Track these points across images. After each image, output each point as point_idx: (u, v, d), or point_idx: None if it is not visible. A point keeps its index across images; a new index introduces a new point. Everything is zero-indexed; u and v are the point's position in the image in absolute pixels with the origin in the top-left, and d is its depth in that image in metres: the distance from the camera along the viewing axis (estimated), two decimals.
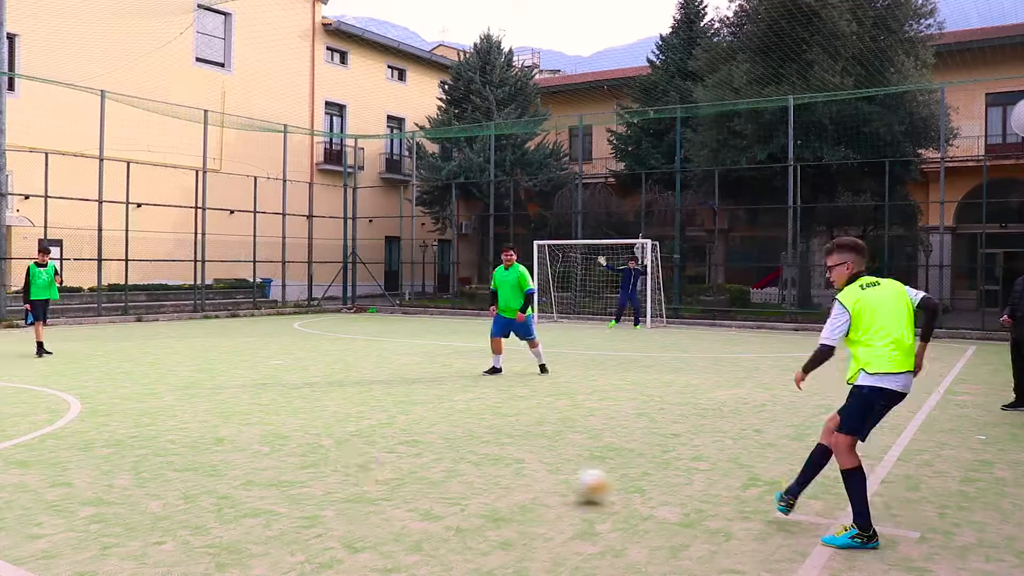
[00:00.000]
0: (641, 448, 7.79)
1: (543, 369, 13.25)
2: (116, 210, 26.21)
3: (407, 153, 41.49)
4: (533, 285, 13.02)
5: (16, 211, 26.86)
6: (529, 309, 13.16)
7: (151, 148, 29.70)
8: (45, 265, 15.68)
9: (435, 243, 40.05)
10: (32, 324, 15.51)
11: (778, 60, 26.62)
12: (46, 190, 24.26)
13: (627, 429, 8.71)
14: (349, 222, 35.02)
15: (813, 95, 24.96)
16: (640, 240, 26.09)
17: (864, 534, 5.12)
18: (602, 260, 26.10)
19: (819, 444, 5.55)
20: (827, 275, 5.66)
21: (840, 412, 5.37)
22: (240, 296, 31.76)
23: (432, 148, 39.64)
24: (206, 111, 28.72)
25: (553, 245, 27.83)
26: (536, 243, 27.24)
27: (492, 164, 32.55)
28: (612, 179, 36.44)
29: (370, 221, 37.58)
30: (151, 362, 14.55)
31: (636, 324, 24.23)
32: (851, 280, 5.45)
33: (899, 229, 28.28)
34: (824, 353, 5.33)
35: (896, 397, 5.25)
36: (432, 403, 10.33)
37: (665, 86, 33.49)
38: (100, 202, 25.48)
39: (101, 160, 25.50)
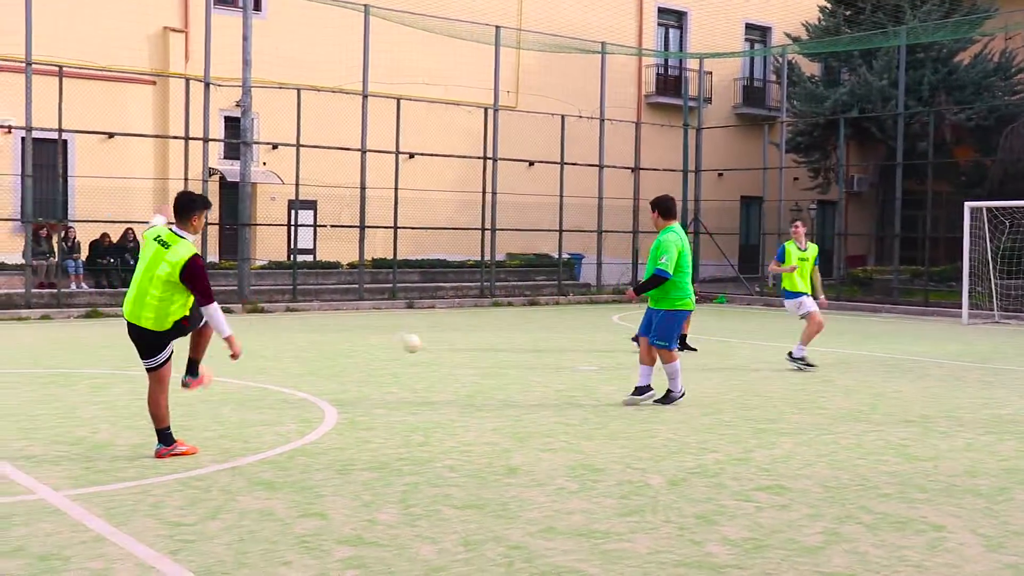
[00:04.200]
0: None
1: (666, 398, 11.87)
2: (382, 163, 28.12)
3: (774, 77, 40.92)
4: (665, 263, 11.55)
5: (262, 164, 29.65)
6: (661, 299, 11.77)
7: (427, 80, 31.52)
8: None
9: (813, 206, 39.27)
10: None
11: None
12: (298, 138, 26.55)
13: None
14: (691, 176, 35.19)
15: None
16: None
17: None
18: None
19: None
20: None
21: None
22: (541, 277, 33.01)
23: (811, 69, 38.83)
24: (498, 27, 30.01)
25: (995, 208, 26.32)
26: (968, 205, 25.94)
27: (901, 90, 31.26)
28: None
29: (720, 175, 37.57)
30: (425, 362, 15.45)
31: None
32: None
33: None
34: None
35: None
36: (806, 434, 10.16)
37: None
38: (364, 152, 27.47)
39: (365, 97, 27.48)
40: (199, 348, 8.90)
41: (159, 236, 8.49)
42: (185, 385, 8.96)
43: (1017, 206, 26.57)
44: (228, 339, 8.47)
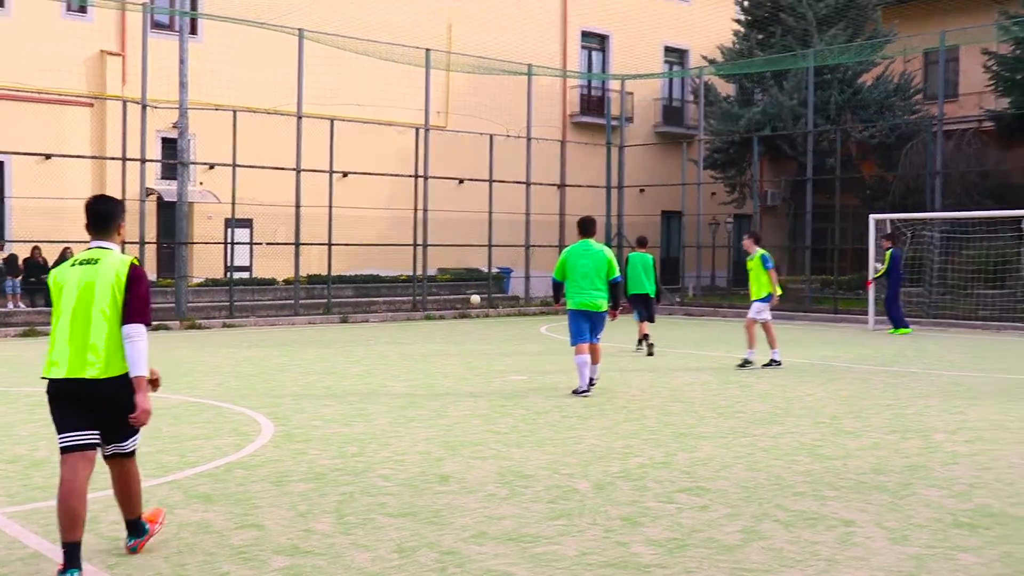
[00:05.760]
0: None
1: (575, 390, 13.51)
2: (317, 181, 28.03)
3: (692, 98, 41.32)
4: (555, 270, 13.76)
5: (199, 184, 29.41)
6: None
7: (359, 102, 31.48)
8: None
9: (730, 219, 39.68)
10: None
11: None
12: (234, 157, 26.36)
13: (1012, 487, 8.21)
14: (613, 192, 35.40)
15: None
16: None
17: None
18: None
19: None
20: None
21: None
22: (471, 291, 32.99)
23: (726, 89, 39.23)
24: (428, 51, 30.06)
25: (899, 221, 26.76)
26: (873, 217, 26.32)
27: (811, 109, 31.73)
28: (989, 123, 34.44)
29: (641, 191, 37.86)
30: (359, 375, 15.42)
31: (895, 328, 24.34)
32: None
33: None
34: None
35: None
36: (724, 437, 10.25)
37: None
38: (298, 171, 27.35)
39: (299, 118, 27.36)
40: (131, 503, 6.25)
41: (77, 260, 6.01)
42: (133, 550, 6.23)
43: (918, 218, 27.05)
44: (137, 379, 5.84)
